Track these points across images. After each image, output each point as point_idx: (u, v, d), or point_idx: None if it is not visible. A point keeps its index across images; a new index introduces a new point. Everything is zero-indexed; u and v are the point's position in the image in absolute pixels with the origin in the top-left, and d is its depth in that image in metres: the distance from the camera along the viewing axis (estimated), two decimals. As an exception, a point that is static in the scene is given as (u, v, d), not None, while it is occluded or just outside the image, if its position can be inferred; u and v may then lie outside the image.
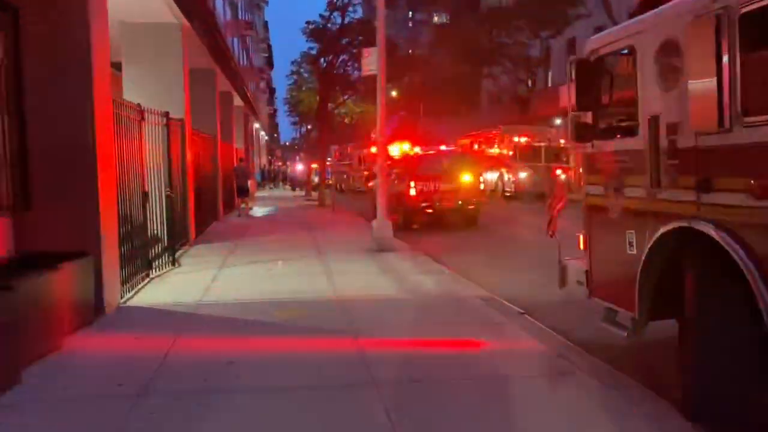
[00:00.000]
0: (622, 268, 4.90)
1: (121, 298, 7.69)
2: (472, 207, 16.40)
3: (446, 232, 16.11)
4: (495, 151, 30.02)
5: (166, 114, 10.49)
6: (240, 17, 27.16)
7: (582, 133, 5.36)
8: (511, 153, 28.86)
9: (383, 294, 7.95)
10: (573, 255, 6.11)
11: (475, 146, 32.38)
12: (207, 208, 16.70)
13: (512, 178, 28.20)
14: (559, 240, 6.23)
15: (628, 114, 5.01)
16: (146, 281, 9.00)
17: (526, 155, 28.41)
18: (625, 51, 5.08)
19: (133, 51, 12.70)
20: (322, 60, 30.26)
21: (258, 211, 23.62)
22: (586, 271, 5.57)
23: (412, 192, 16.16)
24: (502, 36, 36.05)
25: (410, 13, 71.68)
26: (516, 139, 28.81)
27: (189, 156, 13.04)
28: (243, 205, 21.27)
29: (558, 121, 33.44)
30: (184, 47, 13.10)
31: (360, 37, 29.16)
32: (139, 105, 9.21)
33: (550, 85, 41.01)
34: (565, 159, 29.69)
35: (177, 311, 7.28)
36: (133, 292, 8.23)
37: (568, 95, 5.48)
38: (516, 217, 20.02)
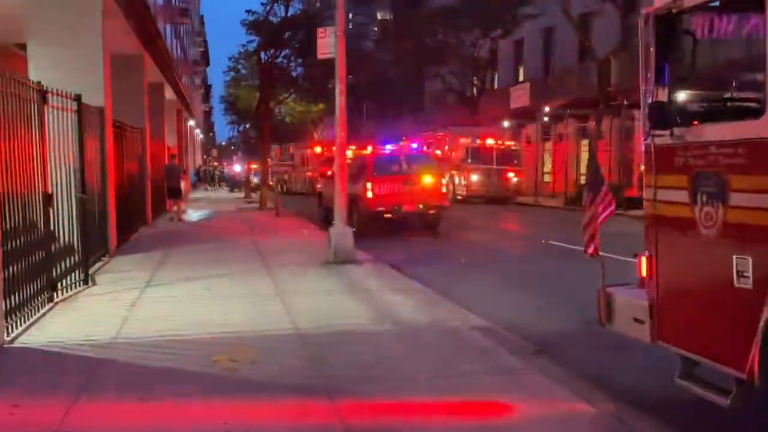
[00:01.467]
0: (720, 307, 3.46)
1: (7, 335, 5.78)
2: (434, 212, 14.95)
3: (406, 238, 14.61)
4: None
5: (78, 98, 8.53)
6: (174, 3, 24.93)
7: (661, 117, 3.88)
8: (458, 155, 27.79)
9: (355, 324, 6.30)
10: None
11: (423, 148, 31.10)
12: (133, 211, 14.64)
13: (463, 181, 27.03)
14: (602, 260, 4.72)
15: (738, 89, 3.57)
16: (48, 308, 7.06)
17: (477, 157, 27.34)
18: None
19: (41, 28, 10.63)
20: (262, 54, 28.25)
21: (193, 214, 21.50)
22: (650, 306, 4.10)
23: (369, 195, 14.58)
24: (449, 35, 34.87)
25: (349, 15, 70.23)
26: (466, 140, 27.67)
27: (109, 151, 11.04)
28: (175, 209, 19.14)
29: (506, 123, 32.54)
30: (105, 24, 11.08)
31: (300, 34, 27.41)
32: (39, 83, 7.26)
33: (496, 86, 40.25)
34: (516, 161, 28.80)
35: (81, 355, 5.44)
36: (26, 325, 6.30)
37: (641, 63, 4.02)
38: (473, 221, 18.77)
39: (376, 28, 61.14)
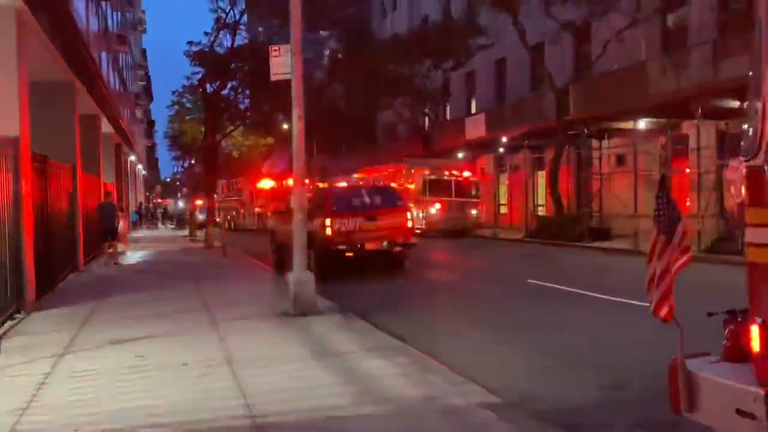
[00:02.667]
0: None
1: None
2: (400, 249, 13.67)
3: (370, 279, 13.26)
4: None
5: (-22, 124, 6.99)
6: (111, 30, 23.33)
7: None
8: (416, 187, 26.78)
9: (332, 406, 4.89)
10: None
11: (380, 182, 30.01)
12: (60, 256, 12.87)
13: (422, 214, 25.94)
14: (680, 327, 3.49)
15: None
16: (-76, 392, 5.43)
17: (436, 189, 26.37)
18: None
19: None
20: (208, 86, 26.80)
21: (132, 257, 19.67)
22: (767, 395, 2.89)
23: (329, 232, 13.21)
24: (402, 67, 34.15)
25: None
26: (425, 172, 26.67)
27: (26, 188, 9.41)
28: (111, 251, 17.33)
29: (461, 155, 31.77)
30: (19, 40, 9.55)
31: (246, 65, 26.18)
32: None
33: (449, 117, 39.70)
34: (474, 193, 27.96)
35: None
36: None
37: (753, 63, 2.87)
38: (439, 257, 17.65)
39: (325, 61, 60.49)
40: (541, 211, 29.54)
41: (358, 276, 13.47)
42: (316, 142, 60.18)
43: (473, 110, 36.90)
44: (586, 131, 21.42)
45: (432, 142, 34.51)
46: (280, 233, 16.69)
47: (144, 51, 65.99)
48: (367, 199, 13.76)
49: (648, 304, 3.37)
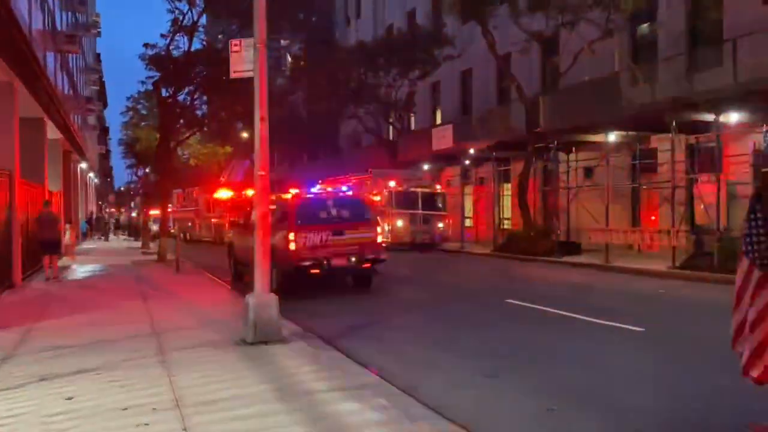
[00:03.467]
0: None
1: None
2: (368, 266, 12.78)
3: (335, 298, 12.36)
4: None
5: None
6: (60, 29, 21.93)
7: None
8: (381, 199, 25.96)
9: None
10: None
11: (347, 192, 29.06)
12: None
13: (388, 227, 25.11)
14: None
15: None
16: None
17: (402, 202, 25.61)
18: None
19: None
20: (163, 90, 25.47)
21: (78, 270, 18.30)
22: None
23: (292, 247, 12.25)
24: (367, 75, 33.39)
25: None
26: (391, 184, 25.87)
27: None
28: (51, 266, 15.97)
29: (426, 166, 31.11)
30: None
31: (203, 70, 24.96)
32: None
33: (413, 128, 39.09)
34: (441, 205, 27.29)
35: None
36: None
37: None
38: (407, 272, 16.84)
39: (285, 67, 59.33)
40: (508, 225, 29.06)
41: (321, 294, 12.55)
42: (276, 151, 59.14)
43: (438, 121, 36.38)
44: (555, 143, 20.92)
45: (397, 152, 33.78)
46: (239, 247, 15.65)
47: (98, 55, 63.84)
48: (333, 212, 12.85)
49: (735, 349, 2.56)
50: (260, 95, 7.75)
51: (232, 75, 8.02)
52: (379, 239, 13.01)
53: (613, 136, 19.87)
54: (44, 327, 9.16)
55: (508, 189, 29.96)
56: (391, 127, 39.90)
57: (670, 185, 19.40)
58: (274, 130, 30.89)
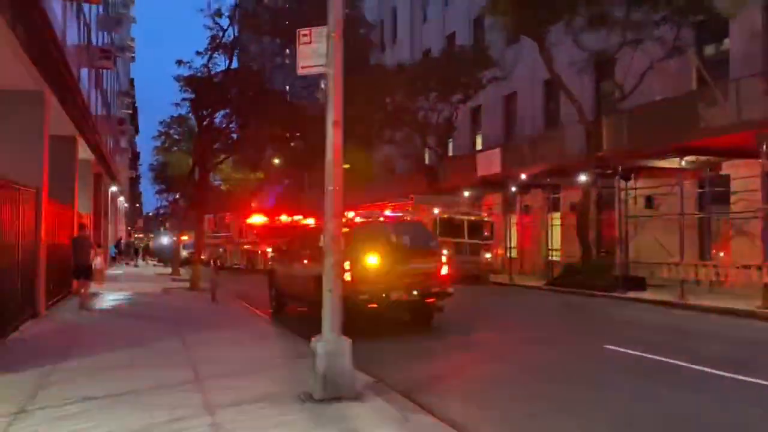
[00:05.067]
0: None
1: None
2: (432, 301, 11.25)
3: (393, 338, 10.81)
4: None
5: None
6: (95, 43, 21.12)
7: None
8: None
9: None
10: None
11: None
12: (11, 299, 10.29)
13: (432, 257, 23.50)
14: None
15: None
16: None
17: (447, 230, 24.02)
18: None
19: None
20: (202, 111, 24.35)
21: (107, 298, 17.01)
22: None
23: (348, 278, 10.75)
24: (408, 99, 32.12)
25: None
26: (435, 210, 24.34)
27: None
28: (82, 292, 14.75)
29: (467, 193, 29.52)
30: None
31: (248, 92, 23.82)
32: None
33: (451, 153, 37.70)
34: (488, 234, 25.68)
35: None
36: None
37: None
38: (465, 309, 15.17)
39: (319, 96, 58.70)
40: (556, 256, 27.29)
41: (376, 333, 11.00)
42: (308, 178, 58.18)
43: (478, 147, 34.96)
44: (620, 169, 19.28)
45: (438, 178, 32.32)
46: (281, 276, 14.26)
47: (132, 80, 64.02)
48: (393, 239, 11.38)
49: None
50: (335, 95, 6.38)
51: (300, 71, 6.66)
52: (444, 270, 11.46)
53: (684, 162, 18.21)
54: (68, 369, 7.76)
55: (557, 218, 28.31)
56: (427, 153, 38.63)
57: (746, 215, 17.71)
58: (306, 155, 29.59)
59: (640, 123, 18.78)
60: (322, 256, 11.82)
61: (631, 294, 18.56)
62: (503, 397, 6.86)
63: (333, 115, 6.38)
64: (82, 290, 14.82)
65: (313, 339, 6.41)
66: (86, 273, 14.96)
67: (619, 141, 19.36)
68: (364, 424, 5.44)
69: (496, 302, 17.79)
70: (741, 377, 7.51)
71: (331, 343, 6.19)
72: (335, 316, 6.28)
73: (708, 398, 6.81)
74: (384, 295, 10.75)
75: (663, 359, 8.58)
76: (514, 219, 30.90)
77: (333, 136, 6.38)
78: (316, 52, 6.50)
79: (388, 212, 14.46)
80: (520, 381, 7.65)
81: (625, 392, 7.05)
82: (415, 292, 11.00)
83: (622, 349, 9.28)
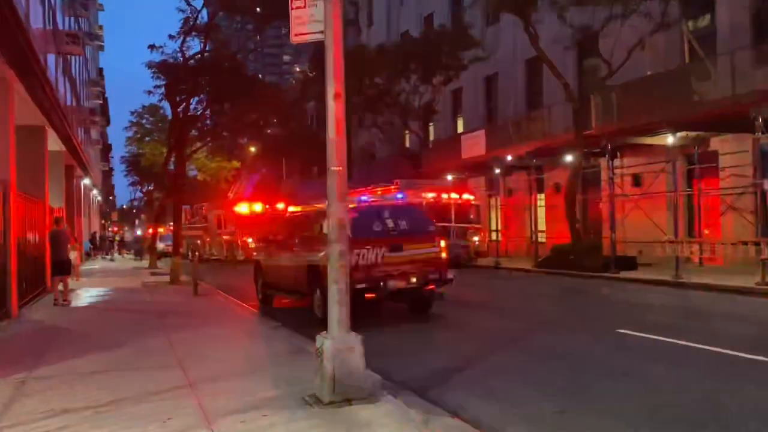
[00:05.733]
0: None
1: None
2: (431, 288, 10.71)
3: (394, 328, 10.27)
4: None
5: None
6: (61, 28, 20.04)
7: None
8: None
9: None
10: None
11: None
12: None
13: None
14: None
15: None
16: None
17: (435, 214, 23.44)
18: None
19: None
20: (176, 98, 23.38)
21: (84, 295, 16.20)
22: None
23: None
24: (389, 82, 31.42)
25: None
26: (421, 195, 23.77)
27: None
28: (60, 287, 14.01)
29: (450, 177, 29.00)
30: None
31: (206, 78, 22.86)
32: None
33: (432, 137, 37.13)
34: (474, 217, 25.25)
35: None
36: None
37: None
38: (453, 291, 14.62)
39: (293, 81, 57.58)
40: (542, 238, 26.95)
41: (373, 324, 10.44)
42: (286, 165, 57.24)
43: (460, 129, 34.43)
44: (609, 147, 18.88)
45: (420, 162, 31.78)
46: (269, 267, 13.64)
47: (101, 70, 62.21)
48: (390, 223, 10.79)
49: None
50: (335, 64, 5.74)
51: (294, 39, 6.00)
52: (444, 255, 10.92)
53: (672, 138, 17.85)
54: (45, 376, 7.07)
55: (541, 199, 27.96)
56: (408, 138, 38.00)
57: (737, 191, 17.46)
58: (283, 142, 29.05)
59: (630, 99, 18.41)
60: (314, 244, 11.29)
61: (624, 274, 18.26)
62: (526, 391, 6.34)
63: (334, 86, 5.74)
64: (60, 285, 14.13)
65: (318, 336, 5.82)
66: (65, 268, 14.39)
67: (608, 118, 18.95)
68: (382, 430, 4.88)
69: (490, 286, 17.36)
70: (763, 358, 7.11)
71: (339, 340, 5.60)
72: (343, 311, 5.68)
73: (740, 383, 6.37)
74: (381, 283, 10.17)
75: (680, 342, 8.15)
76: (497, 201, 30.56)
77: (335, 110, 5.75)
78: (311, 16, 5.85)
79: (370, 197, 13.78)
80: (540, 372, 7.14)
81: (654, 380, 6.57)
82: (414, 280, 10.46)
83: (635, 333, 8.83)
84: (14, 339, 9.70)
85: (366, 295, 10.14)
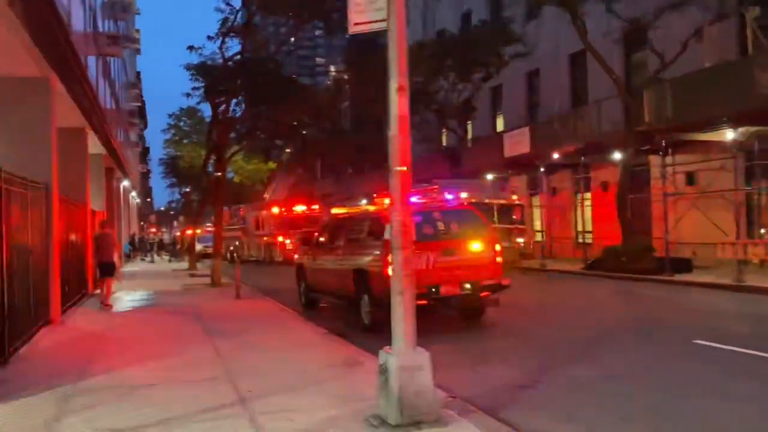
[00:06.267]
0: None
1: None
2: (486, 294, 10.14)
3: (444, 336, 9.71)
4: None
5: None
6: (101, 30, 19.99)
7: None
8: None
9: None
10: None
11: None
12: (21, 308, 9.27)
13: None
14: None
15: None
16: None
17: (477, 215, 22.79)
18: None
19: None
20: (216, 99, 23.17)
21: (125, 299, 16.03)
22: None
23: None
24: (426, 80, 30.84)
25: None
26: (463, 195, 23.11)
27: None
28: (103, 290, 14.00)
29: (490, 176, 28.24)
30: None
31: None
32: None
33: (470, 135, 36.40)
34: (519, 218, 24.52)
35: None
36: None
37: None
38: (507, 297, 14.02)
39: (328, 81, 57.37)
40: (588, 239, 26.07)
41: (421, 333, 9.92)
42: (321, 165, 57.09)
43: (500, 128, 33.65)
44: (663, 143, 18.00)
45: (459, 161, 31.11)
46: (311, 270, 13.24)
47: (138, 73, 62.97)
48: (441, 225, 10.26)
49: None
50: (399, 55, 5.25)
51: (352, 29, 5.53)
52: (499, 259, 10.34)
53: (733, 134, 16.90)
54: (91, 389, 6.73)
55: (586, 199, 27.06)
56: (445, 136, 37.35)
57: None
58: (319, 143, 28.67)
59: (686, 93, 17.48)
60: (361, 247, 10.81)
61: (679, 277, 17.40)
62: (611, 414, 5.74)
63: (397, 80, 5.25)
64: (105, 288, 14.39)
65: (381, 351, 5.33)
66: (110, 270, 14.64)
67: (661, 113, 18.07)
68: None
69: (541, 290, 16.64)
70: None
71: (406, 356, 5.10)
72: (409, 324, 5.19)
73: None
74: (433, 289, 9.65)
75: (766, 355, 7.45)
76: (539, 201, 29.72)
77: (398, 105, 5.26)
78: (371, 3, 5.36)
79: (418, 198, 13.20)
80: (621, 391, 6.51)
81: (749, 400, 5.92)
82: (467, 286, 9.90)
83: (715, 345, 8.14)
84: (57, 347, 9.43)
85: (417, 302, 9.57)
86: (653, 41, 19.59)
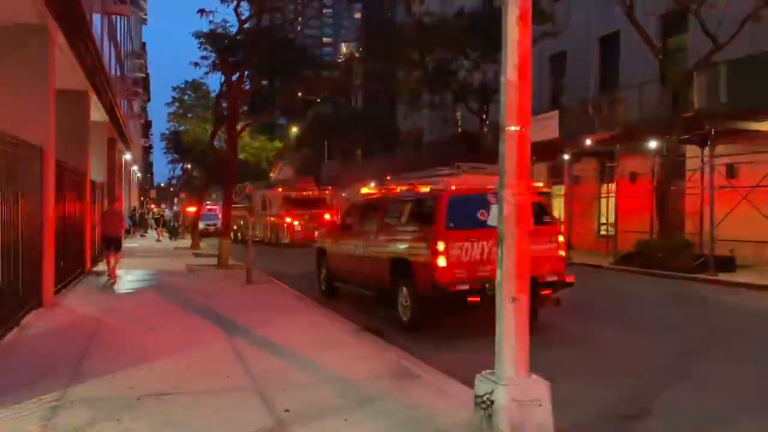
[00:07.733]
0: None
1: None
2: (548, 292, 8.79)
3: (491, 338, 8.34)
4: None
5: None
6: (106, -14, 18.53)
7: None
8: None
9: None
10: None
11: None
12: (5, 286, 7.92)
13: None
14: None
15: None
16: None
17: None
18: None
19: None
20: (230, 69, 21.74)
21: (126, 278, 14.67)
22: None
23: (442, 262, 8.35)
24: (445, 57, 29.35)
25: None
26: (486, 180, 21.66)
27: None
28: (109, 264, 12.90)
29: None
30: None
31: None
32: None
33: (488, 121, 34.90)
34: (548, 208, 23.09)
35: None
36: None
37: None
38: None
39: (339, 59, 55.69)
40: (612, 231, 24.71)
41: (466, 335, 8.61)
42: (328, 146, 55.59)
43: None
44: (713, 132, 16.57)
45: (478, 145, 29.65)
46: (336, 256, 11.89)
47: (144, 44, 61.25)
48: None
49: None
50: (518, 38, 3.84)
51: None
52: (562, 253, 8.99)
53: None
54: (84, 398, 5.36)
55: (612, 190, 25.67)
56: (462, 119, 35.90)
57: None
58: (327, 122, 27.35)
59: (745, 77, 16.04)
60: (400, 233, 9.46)
61: (723, 276, 16.07)
62: None
63: (518, 5, 3.85)
64: (113, 260, 13.97)
65: (481, 377, 3.97)
66: (117, 244, 14.45)
67: (713, 99, 16.64)
68: None
69: (582, 286, 15.27)
70: None
71: (519, 388, 3.75)
72: (523, 341, 3.82)
73: None
74: (487, 285, 8.28)
75: None
76: (561, 190, 28.31)
77: (517, 39, 3.89)
78: None
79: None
80: (739, 419, 5.20)
81: None
82: (526, 282, 8.53)
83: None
84: (49, 336, 8.08)
85: (468, 299, 8.26)
86: (705, 22, 18.10)
